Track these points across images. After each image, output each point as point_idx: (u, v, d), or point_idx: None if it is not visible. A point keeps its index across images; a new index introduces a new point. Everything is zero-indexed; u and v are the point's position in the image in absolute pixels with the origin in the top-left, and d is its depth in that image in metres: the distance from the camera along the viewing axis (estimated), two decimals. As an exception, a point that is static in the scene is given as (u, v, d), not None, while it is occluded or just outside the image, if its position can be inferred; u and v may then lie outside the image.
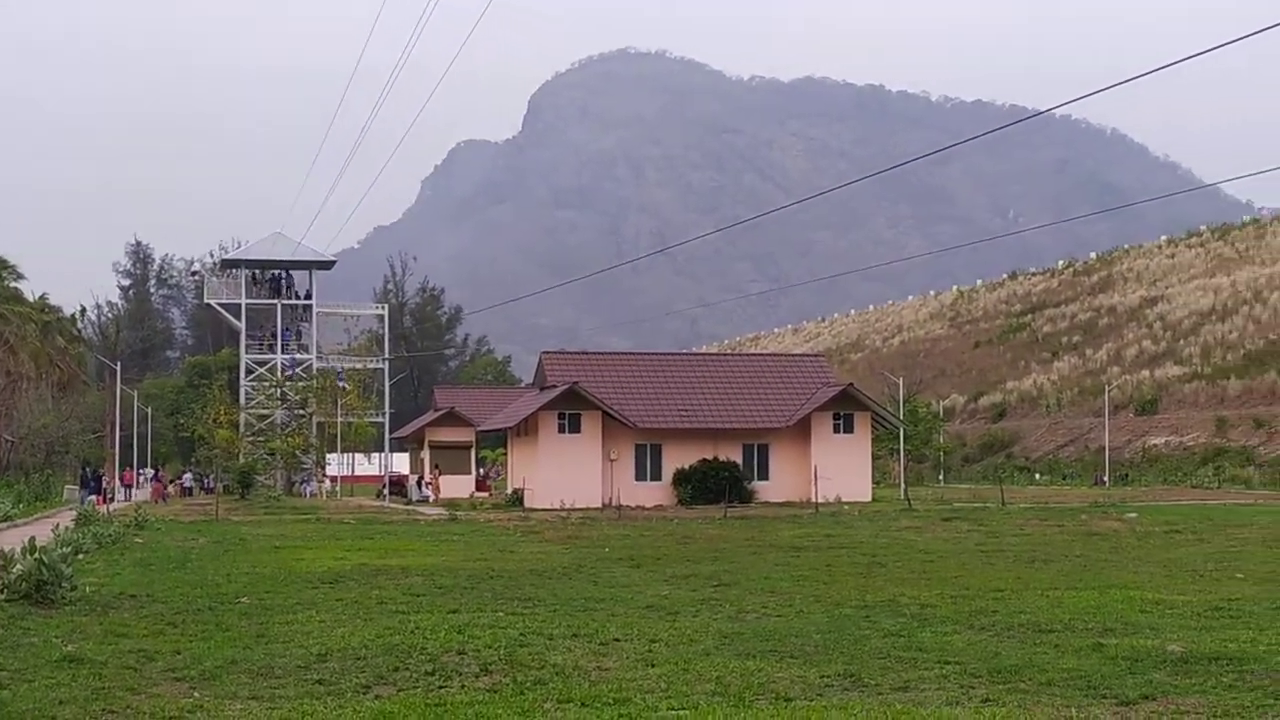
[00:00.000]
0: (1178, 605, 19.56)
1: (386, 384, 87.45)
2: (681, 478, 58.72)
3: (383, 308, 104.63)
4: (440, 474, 73.75)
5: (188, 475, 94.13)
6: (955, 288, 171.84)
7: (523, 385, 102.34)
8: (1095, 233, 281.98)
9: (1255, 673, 13.69)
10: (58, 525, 34.22)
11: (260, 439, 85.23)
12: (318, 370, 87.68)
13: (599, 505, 56.43)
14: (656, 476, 59.75)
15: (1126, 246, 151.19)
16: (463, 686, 13.36)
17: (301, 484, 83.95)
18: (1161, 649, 15.05)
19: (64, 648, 15.63)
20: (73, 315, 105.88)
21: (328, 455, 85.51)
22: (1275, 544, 31.68)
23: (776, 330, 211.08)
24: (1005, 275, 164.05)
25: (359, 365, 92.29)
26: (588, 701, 12.45)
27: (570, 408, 57.89)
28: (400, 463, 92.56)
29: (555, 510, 53.08)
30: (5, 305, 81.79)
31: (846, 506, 53.73)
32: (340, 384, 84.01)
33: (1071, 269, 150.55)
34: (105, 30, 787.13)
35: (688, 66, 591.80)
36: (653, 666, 14.39)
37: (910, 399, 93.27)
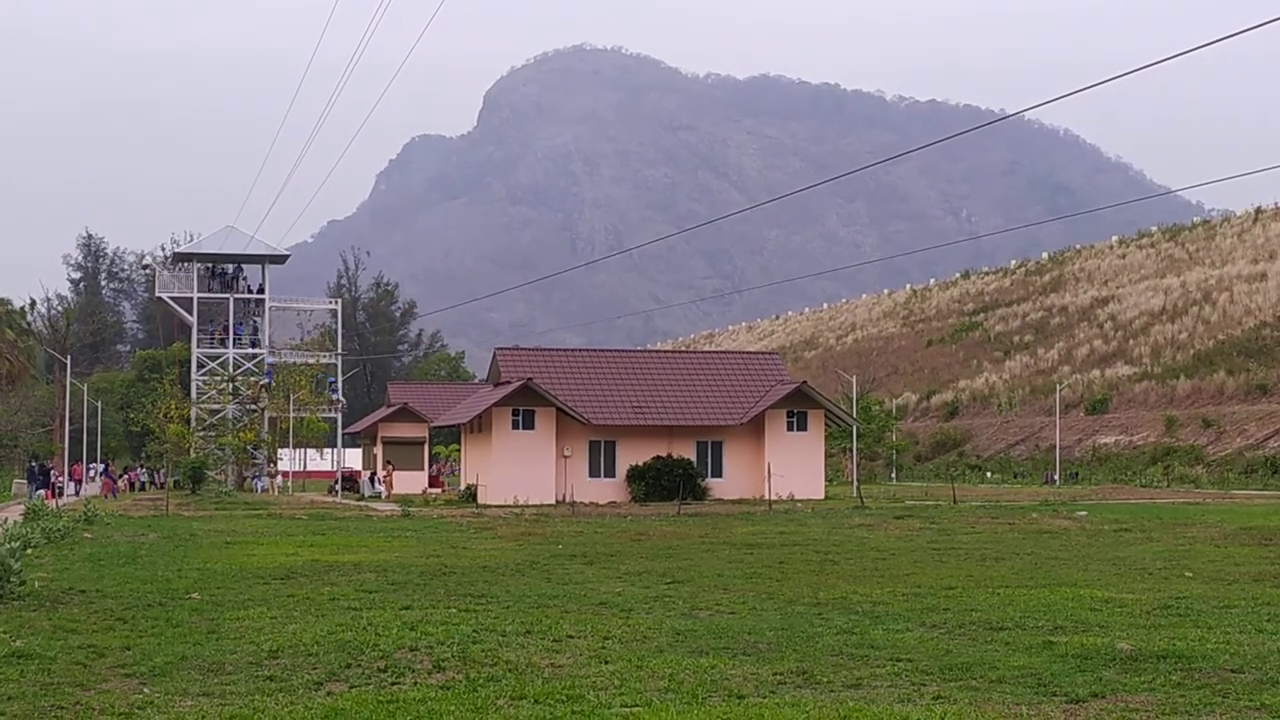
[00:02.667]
0: (1127, 603, 19.70)
1: (339, 379, 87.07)
2: (635, 474, 58.74)
3: (336, 302, 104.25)
4: (393, 470, 73.49)
5: (140, 470, 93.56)
6: (908, 286, 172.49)
7: (477, 381, 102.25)
8: (1047, 232, 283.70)
9: (1203, 670, 13.80)
10: (6, 520, 33.99)
11: (211, 434, 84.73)
12: (271, 365, 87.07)
13: (552, 502, 56.42)
14: (610, 473, 59.76)
15: (1078, 246, 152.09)
16: (415, 683, 13.33)
17: (253, 479, 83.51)
18: (1111, 647, 15.15)
19: (12, 643, 15.50)
20: (22, 308, 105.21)
21: (279, 450, 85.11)
22: (1223, 543, 31.94)
23: (730, 328, 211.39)
24: (958, 274, 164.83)
25: (312, 360, 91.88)
26: (541, 698, 12.44)
27: (524, 404, 57.82)
28: (353, 458, 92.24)
29: (509, 507, 53.03)
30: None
31: (799, 504, 53.87)
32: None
33: (1023, 269, 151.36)
34: (55, 19, 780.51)
35: (643, 63, 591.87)
36: (606, 663, 14.40)
37: (863, 397, 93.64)
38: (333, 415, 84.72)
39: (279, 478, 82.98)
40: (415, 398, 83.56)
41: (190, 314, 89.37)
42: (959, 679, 13.48)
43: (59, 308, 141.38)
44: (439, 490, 74.15)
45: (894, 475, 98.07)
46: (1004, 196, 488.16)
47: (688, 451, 60.19)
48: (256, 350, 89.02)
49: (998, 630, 16.86)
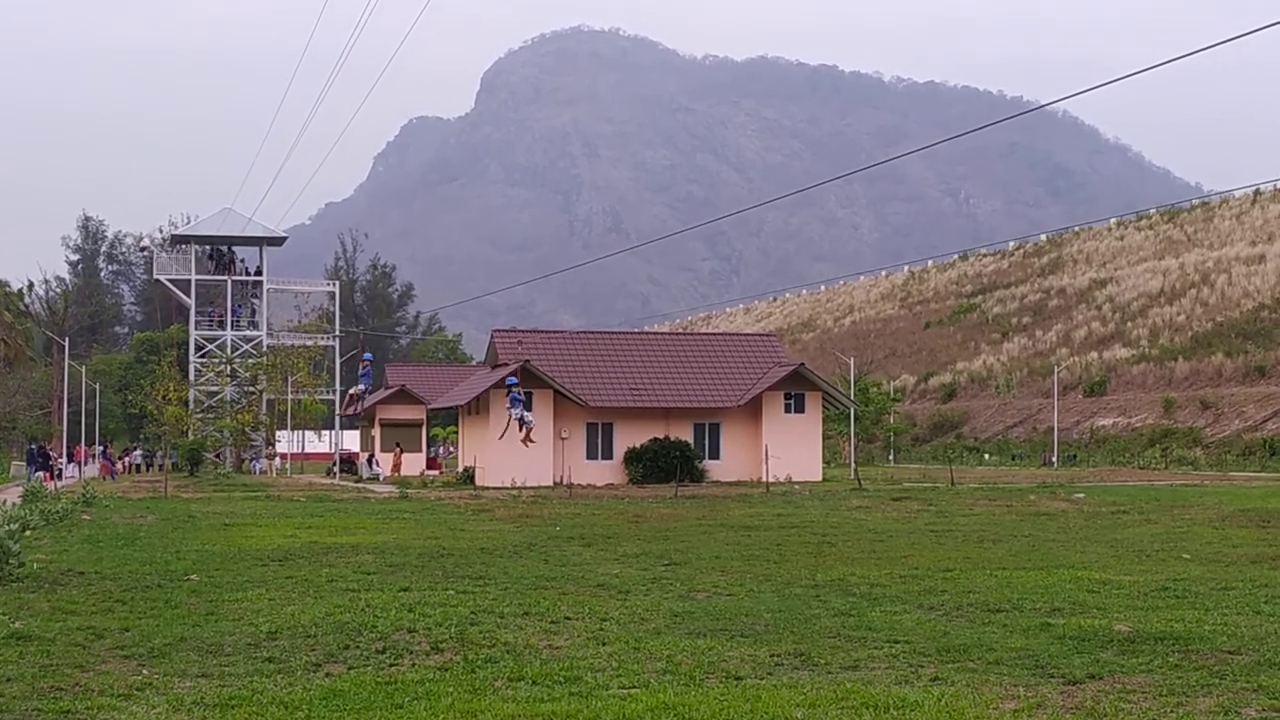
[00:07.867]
0: (1124, 585, 19.72)
1: (337, 361, 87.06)
2: (633, 456, 58.79)
3: (334, 284, 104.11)
4: (401, 452, 73.49)
5: (138, 452, 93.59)
6: (906, 268, 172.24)
7: (474, 363, 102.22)
8: (1046, 214, 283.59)
9: (1200, 652, 13.81)
10: (4, 501, 33.94)
11: (210, 416, 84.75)
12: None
13: (550, 484, 56.47)
14: (608, 455, 59.82)
15: (1076, 228, 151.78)
16: (414, 665, 13.34)
17: (251, 461, 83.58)
18: (1108, 629, 15.16)
19: (11, 625, 15.50)
20: (20, 290, 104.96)
21: (277, 432, 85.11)
22: (1221, 524, 31.98)
23: (728, 309, 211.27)
24: (956, 256, 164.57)
25: (309, 342, 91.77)
26: (539, 680, 12.45)
27: (522, 386, 57.79)
28: (351, 440, 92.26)
29: (506, 489, 53.06)
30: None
31: (797, 486, 53.90)
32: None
33: (1022, 250, 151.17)
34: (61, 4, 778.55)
35: (641, 44, 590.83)
36: (604, 645, 14.41)
37: (861, 379, 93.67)
38: (330, 397, 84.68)
39: (277, 460, 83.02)
40: (413, 379, 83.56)
41: (188, 296, 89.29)
42: (956, 660, 13.49)
43: (57, 290, 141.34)
44: (437, 472, 74.22)
45: (892, 457, 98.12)
46: (1003, 178, 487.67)
47: (685, 433, 60.24)
48: (255, 332, 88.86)
49: (995, 612, 16.87)
